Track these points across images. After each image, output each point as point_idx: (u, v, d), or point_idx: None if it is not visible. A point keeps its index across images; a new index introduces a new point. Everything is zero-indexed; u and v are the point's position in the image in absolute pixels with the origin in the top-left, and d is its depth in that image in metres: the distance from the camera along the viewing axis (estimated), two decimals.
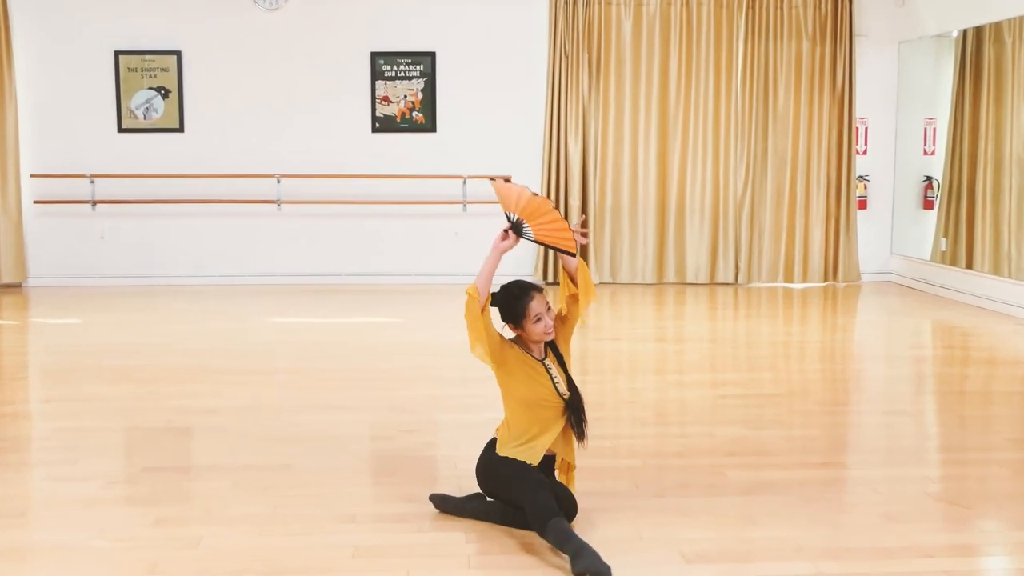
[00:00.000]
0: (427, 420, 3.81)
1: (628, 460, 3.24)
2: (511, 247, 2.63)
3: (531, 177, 7.37)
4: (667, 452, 3.34)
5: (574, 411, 2.71)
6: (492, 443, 2.75)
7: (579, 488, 2.63)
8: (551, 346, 2.72)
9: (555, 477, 2.71)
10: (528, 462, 2.63)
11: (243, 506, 2.73)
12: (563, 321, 2.71)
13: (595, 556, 2.28)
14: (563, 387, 2.68)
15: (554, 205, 2.65)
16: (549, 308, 2.66)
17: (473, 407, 3.76)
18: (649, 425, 3.79)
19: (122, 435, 3.68)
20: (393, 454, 3.38)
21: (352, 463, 3.28)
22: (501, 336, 2.67)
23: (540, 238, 2.55)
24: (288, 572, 2.32)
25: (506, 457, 2.64)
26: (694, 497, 2.80)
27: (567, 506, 2.60)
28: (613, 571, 2.21)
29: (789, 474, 3.05)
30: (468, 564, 2.37)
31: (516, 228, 2.63)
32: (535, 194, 2.57)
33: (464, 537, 2.49)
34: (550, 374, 2.66)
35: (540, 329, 2.60)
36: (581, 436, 2.71)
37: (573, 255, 2.57)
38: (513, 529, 2.50)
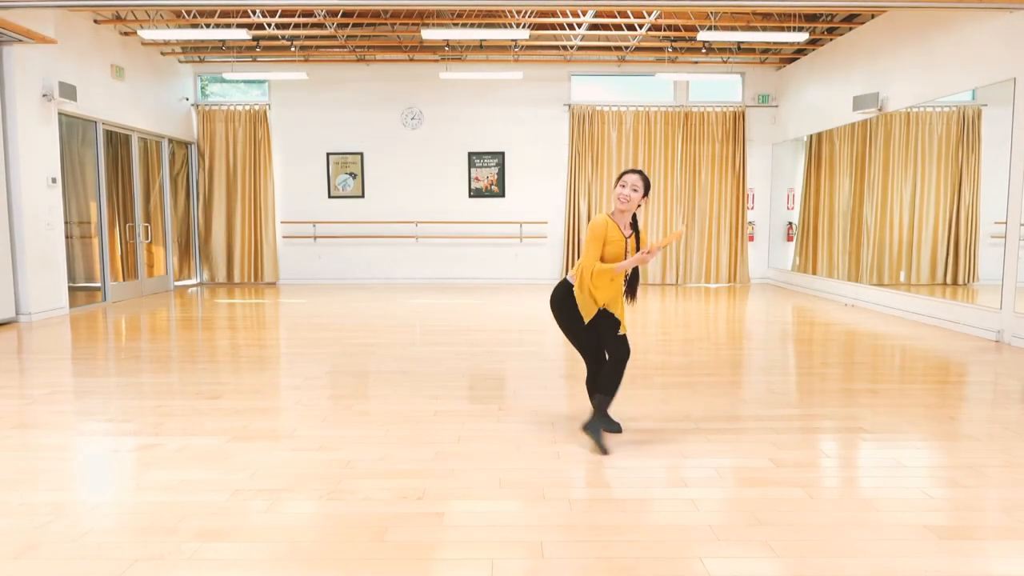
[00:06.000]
0: (491, 349, 6.09)
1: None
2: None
3: (558, 221, 11.24)
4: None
5: (630, 278, 3.27)
6: (565, 281, 3.24)
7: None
8: (636, 234, 3.25)
9: (611, 316, 3.29)
10: (584, 318, 3.17)
11: (387, 388, 4.58)
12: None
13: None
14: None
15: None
16: (636, 190, 3.13)
17: (512, 342, 6.16)
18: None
19: (326, 356, 5.81)
20: (466, 369, 5.21)
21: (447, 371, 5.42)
22: (604, 233, 3.13)
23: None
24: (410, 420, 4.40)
25: (575, 304, 3.20)
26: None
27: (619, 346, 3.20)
28: None
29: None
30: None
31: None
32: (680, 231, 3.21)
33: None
34: (627, 247, 3.19)
35: (618, 192, 3.13)
36: (633, 295, 3.26)
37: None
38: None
